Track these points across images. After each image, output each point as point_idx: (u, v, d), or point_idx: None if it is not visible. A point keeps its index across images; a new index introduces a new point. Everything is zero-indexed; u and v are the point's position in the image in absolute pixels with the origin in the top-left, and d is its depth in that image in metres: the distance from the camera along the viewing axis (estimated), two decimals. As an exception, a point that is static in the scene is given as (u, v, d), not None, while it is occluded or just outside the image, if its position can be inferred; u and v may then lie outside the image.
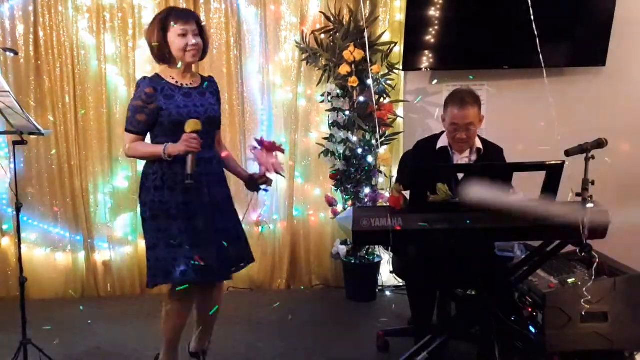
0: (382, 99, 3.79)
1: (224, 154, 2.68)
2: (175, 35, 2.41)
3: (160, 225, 2.43)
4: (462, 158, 2.81)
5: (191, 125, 2.35)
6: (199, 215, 2.42)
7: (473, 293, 2.88)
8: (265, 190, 2.68)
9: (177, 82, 2.49)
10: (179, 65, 2.48)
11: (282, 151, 2.64)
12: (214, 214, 2.47)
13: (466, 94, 2.76)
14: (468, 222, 2.21)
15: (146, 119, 2.41)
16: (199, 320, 2.70)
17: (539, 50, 2.61)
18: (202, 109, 2.46)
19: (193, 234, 2.41)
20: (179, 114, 2.39)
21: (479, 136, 2.87)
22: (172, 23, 2.42)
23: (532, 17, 2.60)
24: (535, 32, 2.57)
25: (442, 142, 2.85)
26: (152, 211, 2.44)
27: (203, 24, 2.56)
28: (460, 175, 2.73)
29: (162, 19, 2.46)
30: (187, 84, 2.51)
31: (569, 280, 2.81)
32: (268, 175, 2.59)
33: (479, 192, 2.15)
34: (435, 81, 3.98)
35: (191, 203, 2.41)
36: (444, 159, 2.80)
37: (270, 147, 2.58)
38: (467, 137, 2.73)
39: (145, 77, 2.50)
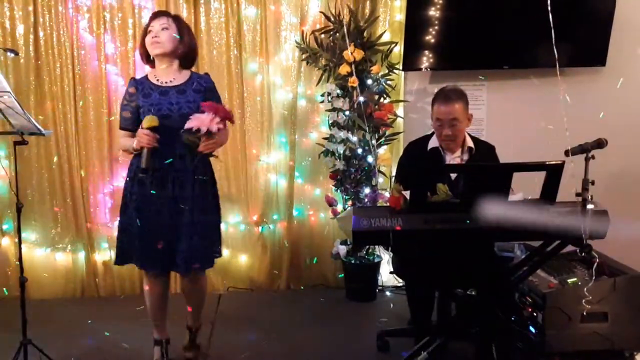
0: (382, 99, 3.80)
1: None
2: (147, 35, 2.66)
3: (127, 212, 2.66)
4: (453, 158, 2.82)
5: (146, 121, 2.52)
6: (158, 208, 2.59)
7: (473, 293, 2.89)
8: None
9: (158, 80, 2.66)
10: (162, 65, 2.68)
11: (230, 120, 2.55)
12: (177, 209, 2.59)
13: (451, 90, 2.79)
14: (468, 222, 2.21)
15: (131, 116, 2.67)
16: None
17: (555, 49, 2.60)
18: (176, 107, 2.59)
19: (150, 224, 2.60)
20: (149, 112, 2.58)
21: (470, 135, 2.88)
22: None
23: (551, 18, 2.58)
24: (553, 32, 2.56)
25: (433, 142, 2.86)
26: (124, 199, 2.69)
27: (177, 17, 2.74)
28: (453, 175, 2.75)
29: (144, 27, 2.74)
30: (166, 82, 2.65)
31: (569, 280, 2.81)
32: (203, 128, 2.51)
33: (491, 208, 2.15)
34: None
35: (154, 196, 2.59)
36: (435, 160, 2.81)
37: (214, 110, 2.50)
38: (453, 134, 2.74)
39: (132, 78, 2.76)
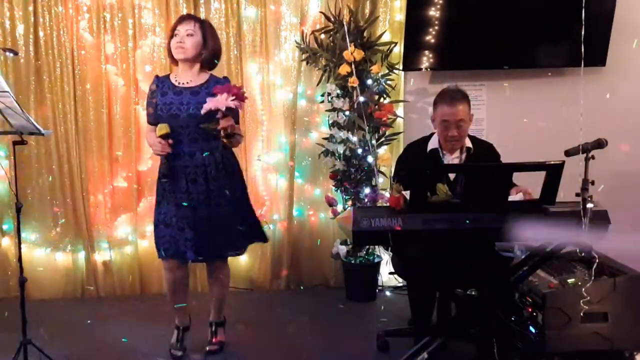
0: (382, 99, 3.79)
1: None
2: (173, 37, 2.79)
3: (157, 207, 2.86)
4: (452, 158, 2.83)
5: (158, 130, 2.70)
6: (177, 202, 2.76)
7: (473, 293, 2.88)
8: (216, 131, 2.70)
9: (177, 81, 2.81)
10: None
11: (242, 98, 2.65)
12: (193, 203, 2.75)
13: (455, 91, 2.79)
14: (468, 222, 2.21)
15: (153, 112, 2.82)
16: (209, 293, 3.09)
17: (582, 49, 2.58)
18: (185, 107, 2.73)
19: (169, 217, 2.79)
20: (162, 110, 2.75)
21: (468, 135, 2.88)
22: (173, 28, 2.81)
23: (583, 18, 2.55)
24: (582, 32, 2.54)
25: (432, 144, 2.86)
26: (156, 195, 2.86)
27: (203, 22, 2.85)
28: (452, 176, 2.75)
29: (171, 27, 2.86)
30: (183, 83, 2.79)
31: (569, 281, 2.81)
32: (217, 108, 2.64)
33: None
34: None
35: (173, 192, 2.77)
36: (435, 161, 2.81)
37: (227, 89, 2.62)
38: (459, 135, 2.75)
39: (156, 76, 2.90)
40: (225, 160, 2.83)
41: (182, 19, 2.82)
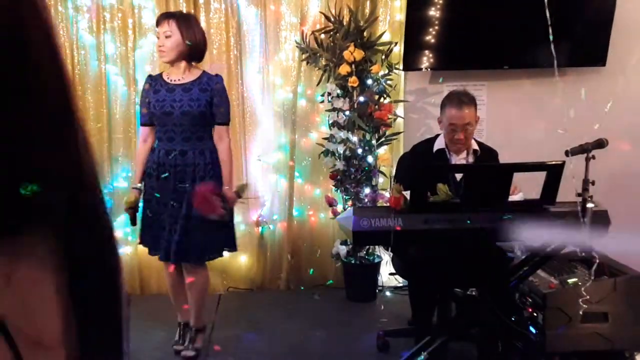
0: (382, 99, 3.79)
1: (221, 155, 2.83)
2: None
3: (143, 204, 2.90)
4: (459, 159, 2.82)
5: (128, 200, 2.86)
6: (162, 200, 2.76)
7: (473, 293, 2.88)
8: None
9: (169, 78, 2.80)
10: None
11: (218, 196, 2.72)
12: (179, 203, 2.72)
13: (462, 94, 2.79)
14: (468, 222, 2.21)
15: (147, 112, 2.83)
16: None
17: (553, 49, 2.58)
18: (178, 104, 2.72)
19: (154, 214, 2.79)
20: (154, 107, 2.76)
21: (474, 138, 2.89)
22: None
23: (548, 16, 2.55)
24: (550, 31, 2.53)
25: (439, 144, 2.87)
26: (143, 193, 2.88)
27: (179, 17, 2.75)
28: (459, 176, 2.74)
29: None
30: (175, 80, 2.78)
31: (570, 281, 2.81)
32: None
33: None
34: (441, 79, 3.98)
35: (159, 189, 2.77)
36: (441, 161, 2.81)
37: (204, 195, 2.66)
38: (465, 138, 2.76)
39: (149, 75, 2.92)
40: (213, 161, 2.81)
41: (159, 21, 2.75)
